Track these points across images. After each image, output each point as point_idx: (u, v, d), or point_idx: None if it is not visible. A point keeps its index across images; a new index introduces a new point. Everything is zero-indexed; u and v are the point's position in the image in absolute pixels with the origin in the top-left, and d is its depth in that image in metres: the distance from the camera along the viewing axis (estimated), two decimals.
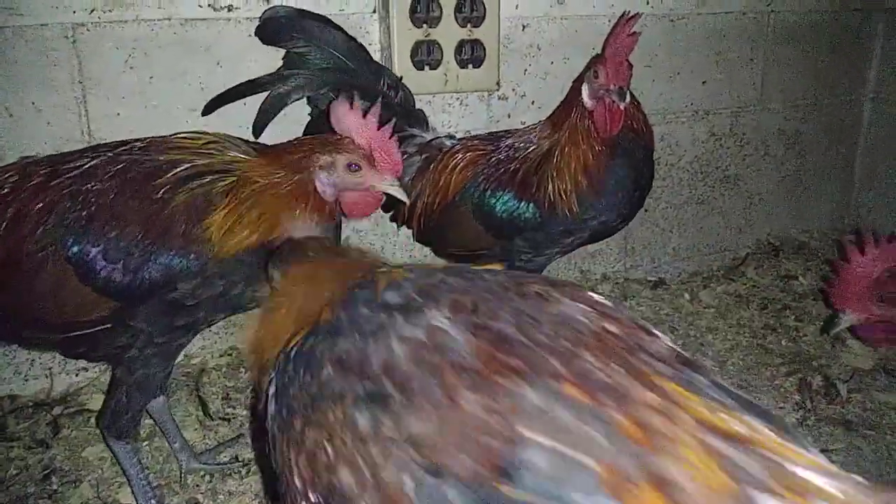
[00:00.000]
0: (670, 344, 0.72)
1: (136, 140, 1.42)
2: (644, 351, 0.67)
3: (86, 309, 1.28)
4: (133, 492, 1.42)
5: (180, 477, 1.54)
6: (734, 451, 0.56)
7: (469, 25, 1.96)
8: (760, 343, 2.11)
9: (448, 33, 1.94)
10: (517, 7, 2.10)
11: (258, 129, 1.77)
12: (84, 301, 1.27)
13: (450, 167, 1.84)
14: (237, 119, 1.83)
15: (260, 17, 1.75)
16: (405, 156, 1.86)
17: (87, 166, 1.33)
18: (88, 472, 1.57)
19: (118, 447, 1.41)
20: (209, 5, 1.77)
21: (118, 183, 1.30)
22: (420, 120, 1.91)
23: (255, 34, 1.77)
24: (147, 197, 1.29)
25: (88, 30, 1.69)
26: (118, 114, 1.75)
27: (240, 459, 1.59)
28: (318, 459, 0.69)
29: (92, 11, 1.68)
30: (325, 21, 1.76)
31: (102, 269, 1.26)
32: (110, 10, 1.69)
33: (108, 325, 1.30)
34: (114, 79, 1.73)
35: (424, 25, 1.91)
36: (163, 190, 1.30)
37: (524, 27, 2.14)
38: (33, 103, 1.67)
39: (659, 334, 0.73)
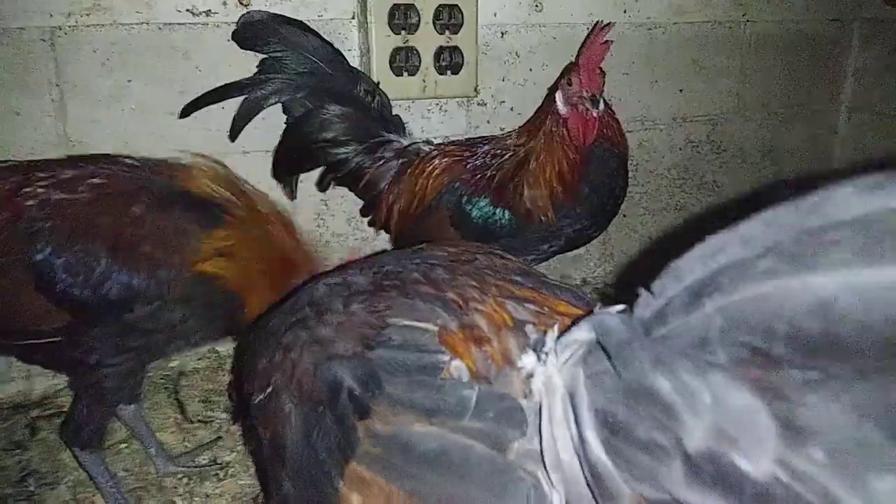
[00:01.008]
0: (521, 265, 0.98)
1: (125, 156, 1.43)
2: (488, 267, 0.93)
3: (39, 319, 1.27)
4: (104, 499, 1.43)
5: (157, 480, 1.54)
6: (519, 305, 0.83)
7: (447, 32, 1.98)
8: None
9: (426, 40, 1.96)
10: (496, 14, 2.12)
11: (235, 132, 1.77)
12: (39, 311, 1.26)
13: (426, 172, 1.84)
14: (215, 123, 1.84)
15: (237, 22, 1.76)
16: (381, 161, 1.87)
17: (63, 177, 1.32)
18: (66, 474, 1.57)
19: (84, 456, 1.41)
20: (188, 10, 1.78)
21: (93, 197, 1.30)
22: (397, 126, 1.92)
23: (233, 38, 1.78)
24: (120, 214, 1.28)
25: (66, 33, 1.69)
26: (95, 117, 1.75)
27: (218, 462, 1.59)
28: (263, 374, 0.92)
29: (69, 15, 1.68)
30: (301, 26, 1.77)
31: (62, 280, 1.25)
32: (88, 14, 1.70)
33: (60, 339, 1.28)
34: (91, 82, 1.74)
35: (403, 32, 1.93)
36: (138, 208, 1.29)
37: (503, 34, 2.16)
38: (10, 106, 1.68)
39: (511, 258, 1.00)
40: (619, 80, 2.31)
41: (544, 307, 0.84)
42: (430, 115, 2.13)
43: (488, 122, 2.21)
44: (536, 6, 2.17)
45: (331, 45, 1.81)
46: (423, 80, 2.00)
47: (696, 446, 0.51)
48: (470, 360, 0.75)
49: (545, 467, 0.65)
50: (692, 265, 0.53)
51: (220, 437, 1.68)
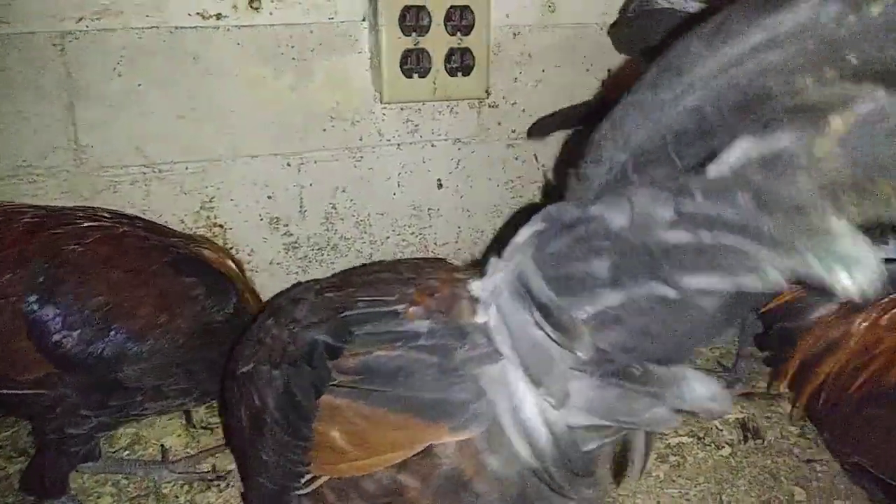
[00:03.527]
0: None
1: (144, 219, 1.49)
2: (432, 265, 1.07)
3: (21, 368, 1.25)
4: None
5: (156, 487, 1.54)
6: (455, 274, 0.96)
7: (458, 34, 1.96)
8: (750, 351, 2.11)
9: (437, 42, 1.94)
10: (508, 16, 2.10)
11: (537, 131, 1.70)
12: (23, 359, 1.24)
13: None
14: (227, 126, 1.84)
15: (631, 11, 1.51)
16: None
17: (78, 227, 1.33)
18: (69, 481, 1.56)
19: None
20: (198, 14, 1.77)
21: (104, 251, 1.30)
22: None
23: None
24: (127, 271, 1.29)
25: (76, 38, 1.69)
26: (105, 121, 1.75)
27: (217, 470, 1.58)
28: (247, 353, 1.09)
29: (80, 20, 1.68)
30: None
31: (56, 332, 1.23)
32: (98, 19, 1.69)
33: (38, 391, 1.27)
34: (101, 86, 1.73)
35: (413, 34, 1.91)
36: (149, 268, 1.31)
37: (515, 35, 2.14)
38: (20, 111, 1.68)
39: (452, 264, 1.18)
40: None
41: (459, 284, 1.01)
42: (440, 116, 2.12)
43: (499, 123, 2.19)
44: (549, 7, 2.15)
45: None
46: (434, 83, 1.98)
47: (621, 225, 0.68)
48: (427, 305, 0.90)
49: (495, 343, 0.80)
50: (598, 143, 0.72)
51: (223, 444, 1.67)
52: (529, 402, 0.78)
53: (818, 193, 0.56)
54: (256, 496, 1.06)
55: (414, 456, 0.82)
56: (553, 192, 2.14)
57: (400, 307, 0.89)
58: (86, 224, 1.34)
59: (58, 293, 1.24)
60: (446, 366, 0.82)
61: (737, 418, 1.78)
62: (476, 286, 0.85)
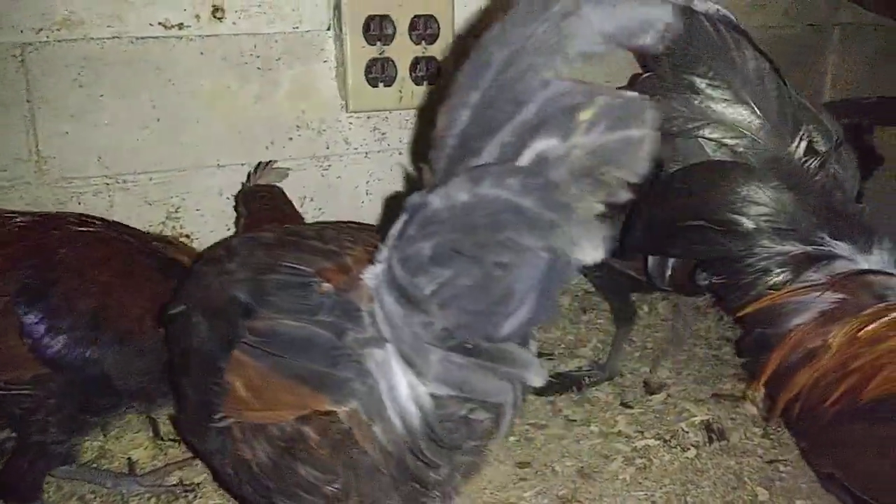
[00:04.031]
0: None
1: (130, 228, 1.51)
2: (369, 233, 1.12)
3: (11, 367, 1.26)
4: None
5: (124, 501, 1.52)
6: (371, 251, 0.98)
7: (423, 43, 1.97)
8: (716, 354, 2.14)
9: (402, 51, 1.95)
10: (473, 24, 2.11)
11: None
12: (14, 359, 1.26)
13: (887, 342, 1.05)
14: (188, 136, 1.83)
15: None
16: (804, 286, 1.17)
17: (68, 230, 1.36)
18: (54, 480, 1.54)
19: None
20: (160, 24, 1.76)
21: (94, 254, 1.33)
22: (852, 230, 1.17)
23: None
24: (117, 274, 1.32)
25: (37, 49, 1.68)
26: (67, 132, 1.74)
27: (185, 482, 1.57)
28: (181, 296, 1.16)
29: (40, 31, 1.67)
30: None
31: (48, 333, 1.26)
32: (59, 30, 1.68)
33: (27, 391, 1.28)
34: (63, 97, 1.72)
35: (378, 43, 1.92)
36: (138, 271, 1.35)
37: None
38: None
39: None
40: None
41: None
42: (408, 125, 2.13)
43: None
44: None
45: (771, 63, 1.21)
46: (400, 91, 1.99)
47: (438, 208, 0.80)
48: (337, 283, 0.97)
49: (378, 326, 0.89)
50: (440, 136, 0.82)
51: (192, 457, 1.66)
52: (404, 383, 0.90)
53: (567, 180, 0.73)
54: (185, 422, 1.18)
55: (314, 412, 0.94)
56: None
57: (314, 280, 0.98)
58: (76, 228, 1.37)
59: (50, 294, 1.26)
60: (337, 344, 0.92)
61: (702, 420, 1.80)
62: (368, 274, 0.93)
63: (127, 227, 1.54)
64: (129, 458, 1.64)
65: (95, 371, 1.30)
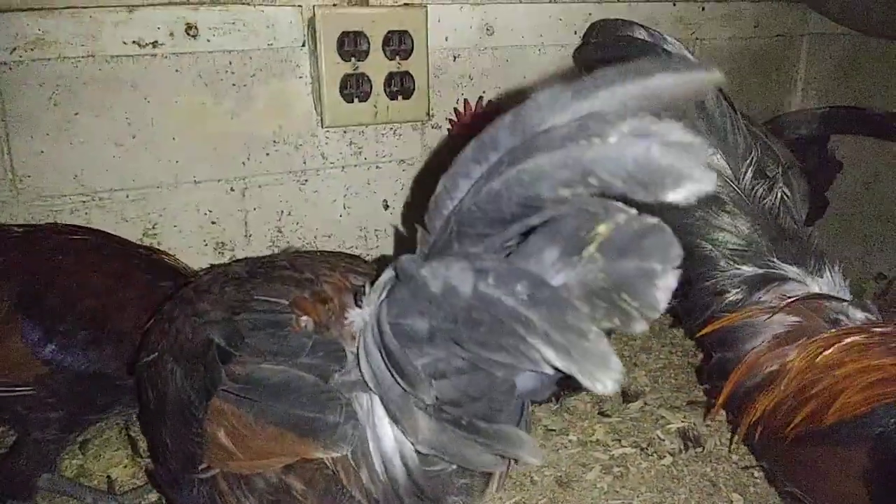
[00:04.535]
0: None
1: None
2: (343, 260, 1.14)
3: (13, 368, 1.30)
4: None
5: None
6: (359, 277, 1.04)
7: (398, 58, 1.99)
8: (691, 362, 2.17)
9: (376, 66, 1.97)
10: (447, 39, 2.14)
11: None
12: (15, 360, 1.29)
13: (844, 367, 1.07)
14: (165, 153, 1.83)
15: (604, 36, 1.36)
16: (757, 308, 1.20)
17: (63, 237, 1.43)
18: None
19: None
20: (134, 42, 1.77)
21: (90, 258, 1.40)
22: (804, 254, 1.21)
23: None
24: (112, 276, 1.38)
25: (10, 68, 1.68)
26: (42, 151, 1.74)
27: (164, 501, 1.57)
28: (153, 341, 1.14)
29: (13, 51, 1.67)
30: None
31: (49, 334, 1.30)
32: (32, 49, 1.68)
33: (28, 391, 1.31)
34: (37, 116, 1.72)
35: (353, 59, 1.94)
36: (131, 274, 1.40)
37: (455, 58, 2.18)
38: None
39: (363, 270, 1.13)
40: None
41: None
42: (384, 139, 2.14)
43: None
44: (488, 30, 2.20)
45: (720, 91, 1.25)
46: (375, 106, 2.01)
47: (435, 291, 0.73)
48: (316, 316, 0.97)
49: (362, 375, 0.84)
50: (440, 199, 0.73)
51: None
52: (389, 435, 0.87)
53: (580, 298, 0.62)
54: (163, 474, 1.13)
55: (299, 460, 0.91)
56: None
57: (290, 317, 0.96)
58: (70, 237, 1.45)
59: (49, 298, 1.32)
60: (323, 387, 0.90)
61: (678, 428, 1.82)
62: (353, 316, 0.89)
63: (116, 236, 1.60)
64: (108, 477, 1.64)
65: (95, 370, 1.34)
